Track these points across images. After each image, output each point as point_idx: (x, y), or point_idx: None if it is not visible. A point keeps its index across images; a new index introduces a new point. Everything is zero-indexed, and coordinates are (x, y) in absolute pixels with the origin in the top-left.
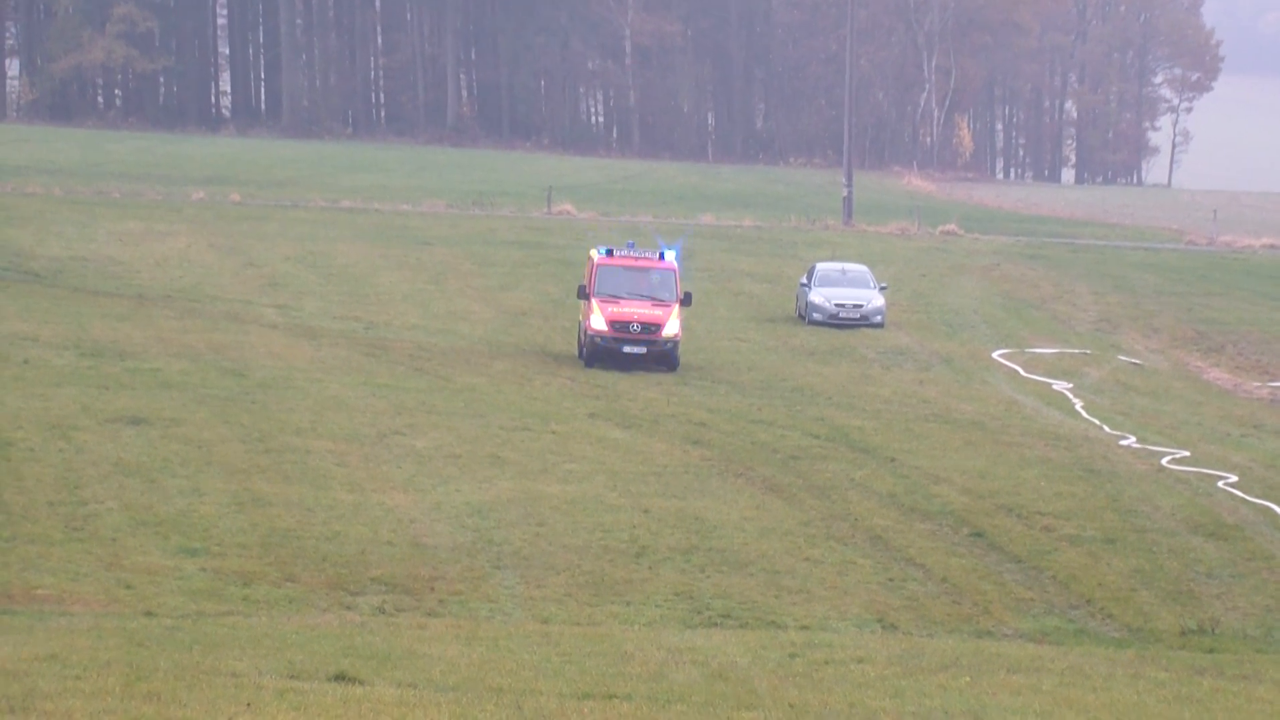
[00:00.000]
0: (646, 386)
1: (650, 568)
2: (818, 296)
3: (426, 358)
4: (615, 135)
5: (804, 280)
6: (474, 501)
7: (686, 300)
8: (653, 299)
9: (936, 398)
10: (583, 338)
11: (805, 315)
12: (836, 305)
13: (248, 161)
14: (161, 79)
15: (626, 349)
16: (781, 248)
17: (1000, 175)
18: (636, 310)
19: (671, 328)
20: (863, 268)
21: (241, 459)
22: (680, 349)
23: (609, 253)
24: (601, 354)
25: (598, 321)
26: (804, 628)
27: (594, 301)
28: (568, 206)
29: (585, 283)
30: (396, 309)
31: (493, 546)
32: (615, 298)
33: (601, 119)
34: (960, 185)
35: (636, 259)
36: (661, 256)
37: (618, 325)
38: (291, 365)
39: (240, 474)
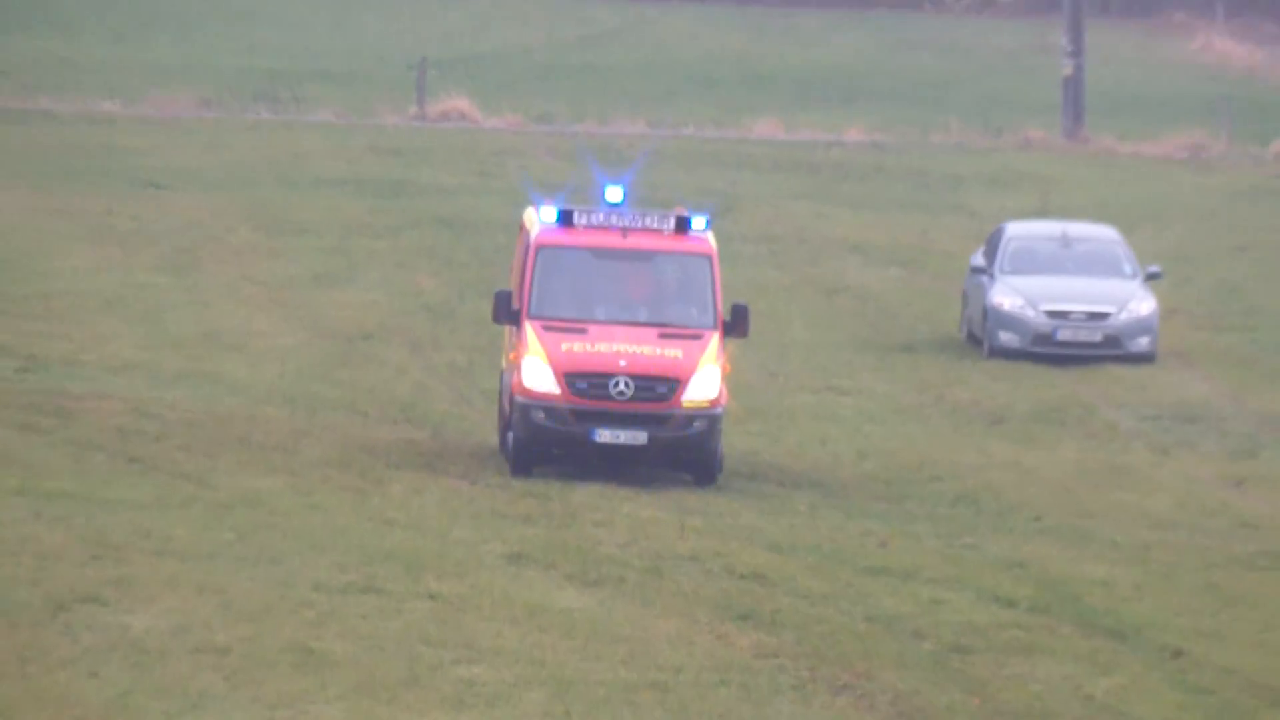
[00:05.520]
0: (632, 494)
1: None
2: (1009, 297)
3: (152, 436)
4: None
5: (979, 261)
6: None
7: (736, 323)
8: (660, 322)
9: (1275, 516)
10: (508, 409)
11: (985, 336)
12: (1051, 315)
13: None
14: None
15: (602, 434)
16: (926, 188)
17: None
18: (624, 346)
19: (704, 386)
20: (1108, 232)
21: None
22: (723, 435)
23: (564, 219)
24: (548, 443)
25: (537, 374)
26: None
27: (530, 329)
28: (459, 102)
29: (514, 285)
30: (91, 327)
31: None
32: (580, 320)
33: None
34: None
35: (625, 231)
36: (682, 225)
37: (583, 381)
38: None
39: None
